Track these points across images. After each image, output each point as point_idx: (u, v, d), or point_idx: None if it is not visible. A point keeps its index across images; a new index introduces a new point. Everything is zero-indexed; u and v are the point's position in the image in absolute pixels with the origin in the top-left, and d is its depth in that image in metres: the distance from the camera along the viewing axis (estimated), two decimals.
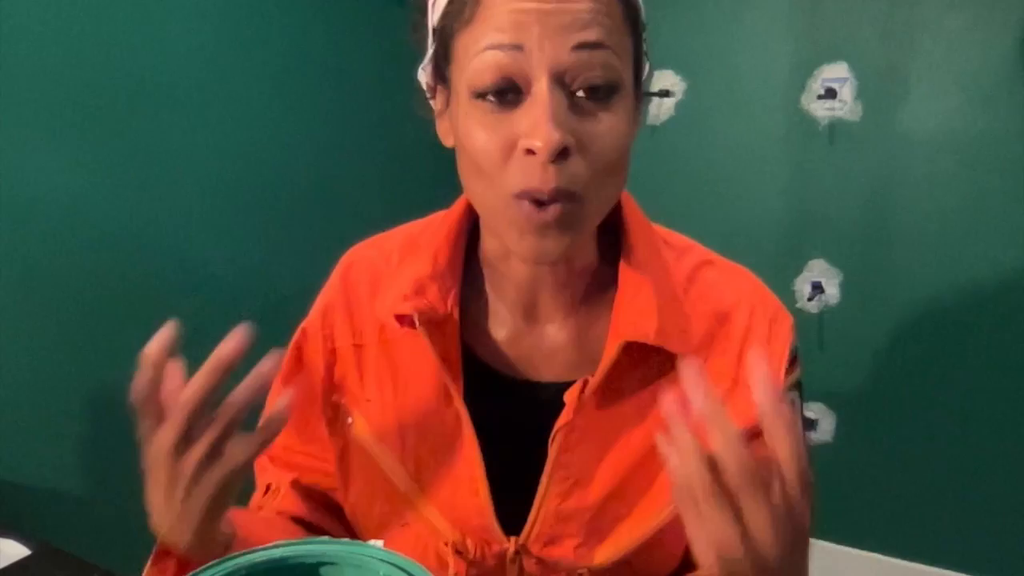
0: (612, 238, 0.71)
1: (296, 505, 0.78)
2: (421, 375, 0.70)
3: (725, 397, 0.68)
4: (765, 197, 2.05)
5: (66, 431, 1.41)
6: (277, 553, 0.54)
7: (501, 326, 0.72)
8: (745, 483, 0.48)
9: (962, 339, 1.88)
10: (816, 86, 1.93)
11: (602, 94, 0.57)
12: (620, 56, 0.57)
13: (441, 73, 0.63)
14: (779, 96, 1.98)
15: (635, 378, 0.67)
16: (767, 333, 0.70)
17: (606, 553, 0.68)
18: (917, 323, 1.93)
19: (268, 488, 0.78)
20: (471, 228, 0.74)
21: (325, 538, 0.56)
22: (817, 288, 2.01)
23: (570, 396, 0.66)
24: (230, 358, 0.55)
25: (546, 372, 0.71)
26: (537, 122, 0.55)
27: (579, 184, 0.57)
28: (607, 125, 0.57)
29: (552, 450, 0.66)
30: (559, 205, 0.57)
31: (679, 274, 0.71)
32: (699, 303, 0.70)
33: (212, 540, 0.59)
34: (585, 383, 0.66)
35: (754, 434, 0.64)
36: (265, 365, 0.56)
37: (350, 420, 0.73)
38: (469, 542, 0.68)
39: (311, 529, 0.78)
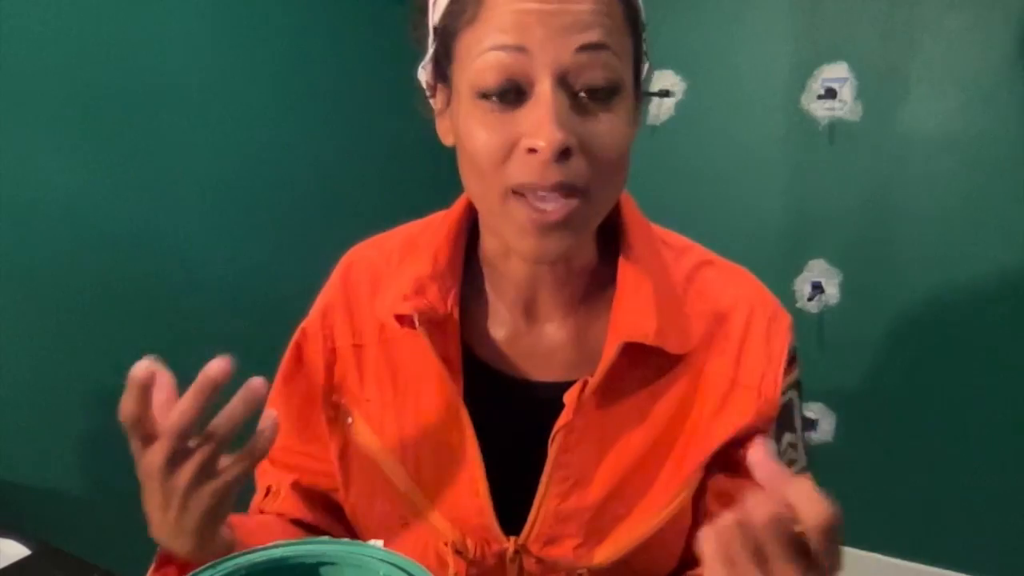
0: (611, 238, 0.71)
1: (296, 506, 0.78)
2: (421, 375, 0.70)
3: (722, 399, 0.68)
4: (765, 197, 2.05)
5: (66, 431, 1.41)
6: (277, 553, 0.54)
7: (501, 326, 0.72)
8: (783, 545, 0.47)
9: (962, 339, 1.88)
10: (816, 86, 1.93)
11: (603, 95, 0.57)
12: (621, 57, 0.58)
13: (442, 72, 0.63)
14: (779, 96, 1.98)
15: (634, 378, 0.67)
16: (766, 333, 0.70)
17: (605, 553, 0.68)
18: (917, 323, 1.92)
19: (268, 491, 0.78)
20: (471, 228, 0.74)
21: (325, 538, 0.56)
22: (817, 288, 2.01)
23: (569, 397, 0.66)
24: (216, 379, 0.53)
25: (545, 372, 0.71)
26: (540, 122, 0.55)
27: (581, 182, 0.57)
28: (608, 125, 0.58)
29: (552, 450, 0.66)
30: (563, 204, 0.57)
31: (678, 274, 0.71)
32: (698, 303, 0.70)
33: (212, 546, 0.59)
34: (584, 384, 0.66)
35: (748, 437, 0.64)
36: (255, 382, 0.55)
37: (350, 420, 0.73)
38: (469, 542, 0.68)
39: (311, 531, 0.77)
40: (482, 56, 0.56)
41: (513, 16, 0.55)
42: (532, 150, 0.56)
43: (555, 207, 0.57)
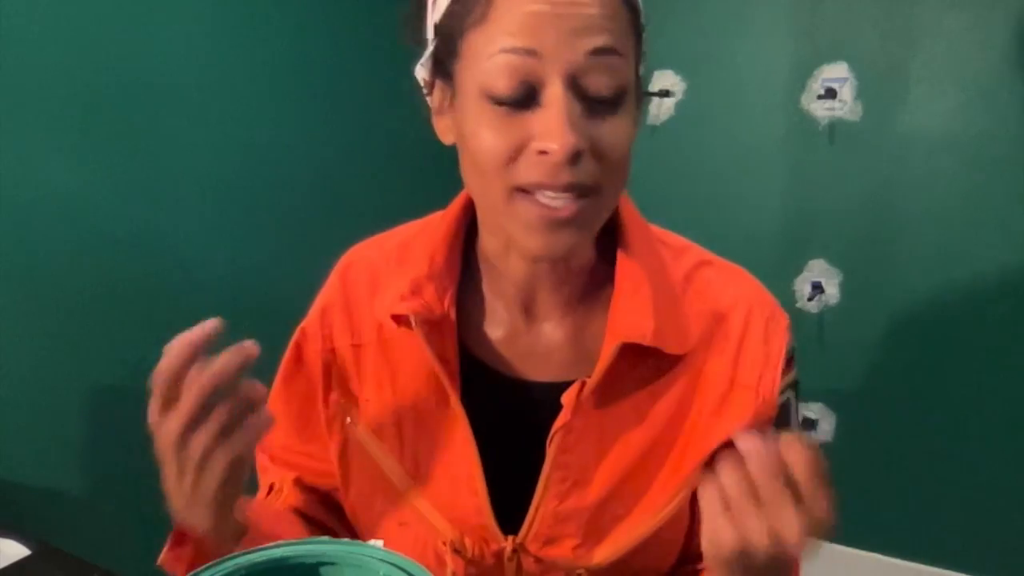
0: (609, 237, 0.71)
1: (300, 501, 0.78)
2: (419, 374, 0.70)
3: (721, 399, 0.68)
4: (765, 197, 2.05)
5: (66, 431, 1.41)
6: (277, 553, 0.54)
7: (498, 326, 0.72)
8: (778, 486, 0.51)
9: (962, 339, 1.88)
10: (816, 86, 1.93)
11: (611, 98, 0.58)
12: (627, 60, 0.58)
13: (443, 70, 0.63)
14: (779, 96, 1.98)
15: (632, 378, 0.68)
16: (764, 333, 0.70)
17: (604, 553, 0.68)
18: (917, 323, 1.92)
19: (272, 488, 0.79)
20: (468, 228, 0.74)
21: (325, 538, 0.56)
22: (817, 288, 2.01)
23: (568, 397, 0.66)
24: (240, 358, 0.55)
25: (543, 371, 0.71)
26: (553, 125, 0.55)
27: (590, 181, 0.58)
28: (614, 127, 0.58)
29: (550, 451, 0.66)
30: (574, 202, 0.58)
31: (676, 274, 0.71)
32: (696, 303, 0.70)
33: (227, 525, 0.60)
34: (583, 384, 0.66)
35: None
36: (247, 343, 0.56)
37: (349, 420, 0.73)
38: (467, 541, 0.68)
39: (315, 525, 0.78)
40: (492, 58, 0.56)
41: (524, 18, 0.55)
42: (544, 152, 0.56)
43: (564, 204, 0.58)
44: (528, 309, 0.72)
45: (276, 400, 0.79)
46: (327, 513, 0.79)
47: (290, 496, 0.78)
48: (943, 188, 1.85)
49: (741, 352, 0.69)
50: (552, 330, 0.72)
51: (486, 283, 0.73)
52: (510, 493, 0.68)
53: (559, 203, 0.58)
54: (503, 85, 0.56)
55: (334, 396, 0.75)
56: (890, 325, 1.95)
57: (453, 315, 0.70)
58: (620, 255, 0.69)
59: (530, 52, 0.55)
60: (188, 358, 0.54)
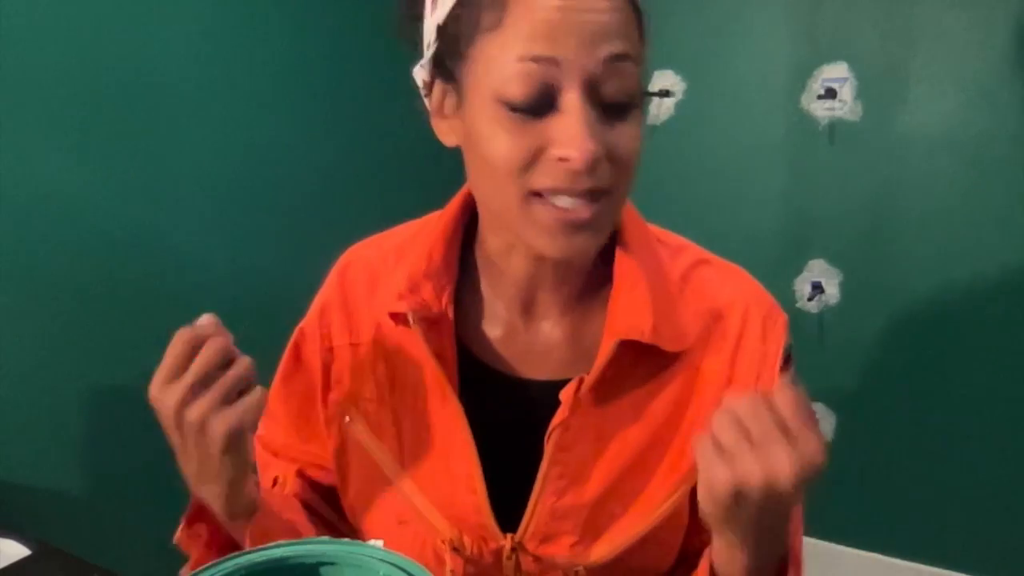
0: (608, 236, 0.71)
1: (303, 492, 0.79)
2: (417, 373, 0.70)
3: (719, 397, 0.68)
4: (765, 197, 2.05)
5: (66, 431, 1.41)
6: (277, 553, 0.54)
7: (497, 324, 0.72)
8: (768, 423, 0.52)
9: (962, 339, 1.88)
10: (816, 86, 1.93)
11: (624, 103, 0.59)
12: (638, 65, 0.59)
13: (447, 72, 0.62)
14: (779, 96, 1.98)
15: (630, 376, 0.68)
16: (761, 332, 0.70)
17: (602, 551, 0.68)
18: (917, 323, 1.92)
19: (275, 481, 0.79)
20: (467, 227, 0.74)
21: (325, 538, 0.57)
22: (817, 288, 2.01)
23: (566, 394, 0.66)
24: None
25: (541, 370, 0.71)
26: (572, 133, 0.56)
27: (605, 185, 0.59)
28: (627, 131, 0.59)
29: (548, 447, 0.67)
30: (589, 206, 0.59)
31: (674, 273, 0.71)
32: (694, 301, 0.70)
33: (237, 501, 0.62)
34: (580, 381, 0.66)
35: None
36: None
37: (347, 419, 0.73)
38: (466, 539, 0.69)
39: (316, 516, 0.78)
40: (510, 65, 0.56)
41: (543, 26, 0.55)
42: (563, 159, 0.57)
43: (581, 207, 0.59)
44: (527, 308, 0.72)
45: (275, 399, 0.79)
46: (328, 506, 0.80)
47: (294, 488, 0.79)
48: (943, 188, 1.85)
49: (739, 350, 0.69)
50: (551, 329, 0.72)
51: (485, 282, 0.73)
52: (509, 491, 0.68)
53: (575, 206, 0.59)
54: (520, 92, 0.56)
55: (333, 395, 0.75)
56: (890, 325, 1.95)
57: (451, 313, 0.70)
58: (618, 254, 0.69)
59: (550, 61, 0.56)
60: (205, 335, 0.58)
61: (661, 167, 2.11)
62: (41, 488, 1.37)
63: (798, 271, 2.02)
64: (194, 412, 0.56)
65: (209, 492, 0.62)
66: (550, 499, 0.67)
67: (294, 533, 0.68)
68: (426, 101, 0.67)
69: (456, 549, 0.68)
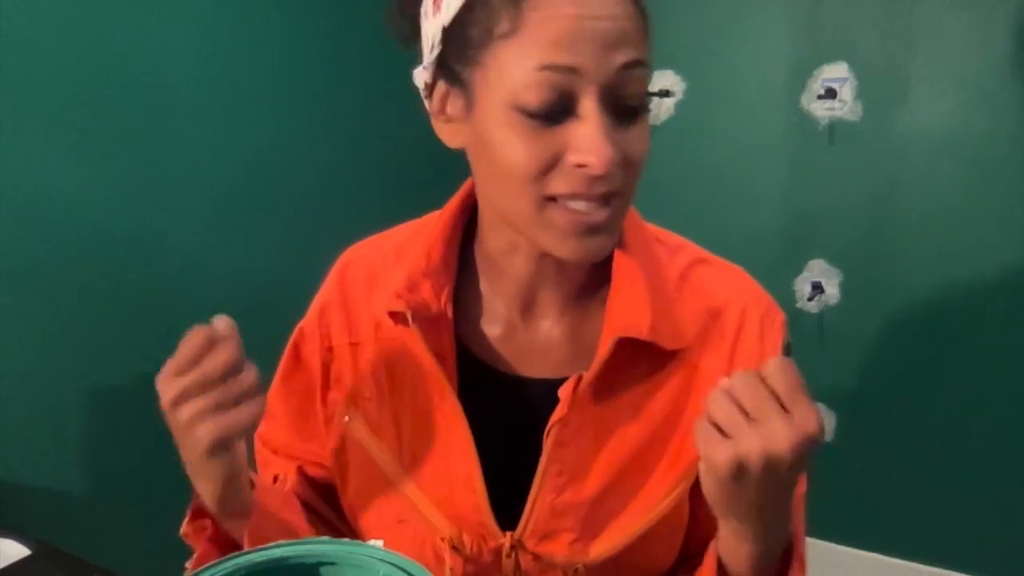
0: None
1: (303, 490, 0.79)
2: (416, 372, 0.70)
3: None
4: (765, 197, 2.05)
5: (66, 431, 1.41)
6: (277, 553, 0.54)
7: (496, 323, 0.73)
8: (763, 396, 0.53)
9: (962, 339, 1.88)
10: (816, 86, 1.93)
11: (636, 107, 0.60)
12: (649, 69, 0.60)
13: (453, 75, 0.62)
14: (779, 96, 1.98)
15: (629, 374, 0.68)
16: (759, 330, 0.71)
17: (601, 548, 0.68)
18: (917, 323, 1.92)
19: (276, 479, 0.80)
20: (465, 226, 0.74)
21: (325, 538, 0.57)
22: (817, 288, 2.01)
23: (564, 391, 0.66)
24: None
25: (540, 368, 0.71)
26: (592, 140, 0.57)
27: (618, 188, 0.60)
28: (638, 135, 0.60)
29: (547, 444, 0.67)
30: (604, 208, 0.60)
31: (672, 271, 0.72)
32: (692, 300, 0.71)
33: (231, 501, 0.63)
34: (579, 378, 0.66)
35: None
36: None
37: (347, 418, 0.73)
38: (466, 538, 0.69)
39: (316, 515, 0.79)
40: (528, 73, 0.56)
41: (562, 33, 0.55)
42: (582, 165, 0.57)
43: (595, 210, 0.60)
44: (527, 307, 0.72)
45: (275, 399, 0.80)
46: (328, 505, 0.80)
47: (295, 486, 0.79)
48: (943, 188, 1.85)
49: (737, 348, 0.70)
50: (550, 327, 0.72)
51: (485, 281, 0.73)
52: (508, 490, 0.68)
53: (590, 210, 0.59)
54: (537, 99, 0.57)
55: (332, 394, 0.75)
56: (890, 325, 1.95)
57: (450, 312, 0.70)
58: (617, 253, 0.70)
59: (568, 69, 0.56)
60: (215, 338, 0.58)
61: (661, 167, 2.11)
62: (41, 488, 1.37)
63: (798, 271, 2.02)
64: (185, 412, 0.57)
65: (202, 489, 0.63)
66: (549, 496, 0.67)
67: (291, 534, 0.69)
68: (426, 102, 0.67)
69: (455, 548, 0.68)
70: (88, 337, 1.41)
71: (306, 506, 0.78)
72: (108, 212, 1.43)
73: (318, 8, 1.80)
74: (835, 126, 1.93)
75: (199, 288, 1.57)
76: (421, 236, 0.73)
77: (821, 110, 1.94)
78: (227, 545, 0.67)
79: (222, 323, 0.59)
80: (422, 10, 0.64)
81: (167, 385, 0.57)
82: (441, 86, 0.64)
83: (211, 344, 0.57)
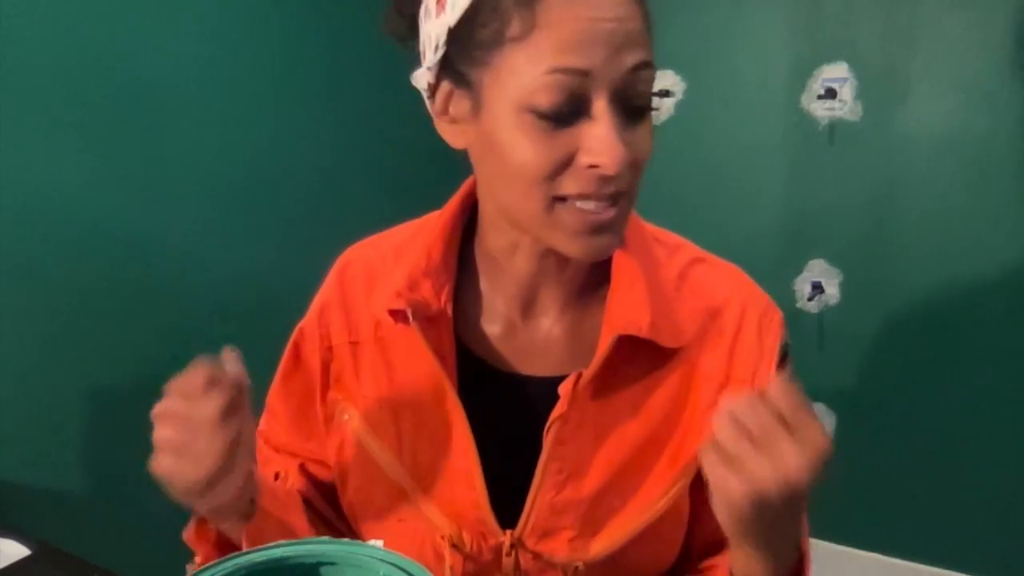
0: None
1: (305, 487, 0.79)
2: (416, 371, 0.71)
3: (717, 393, 0.69)
4: (765, 197, 2.05)
5: (66, 431, 1.41)
6: (277, 553, 0.54)
7: (495, 321, 0.73)
8: (770, 422, 0.52)
9: (962, 339, 1.88)
10: (816, 86, 1.93)
11: (643, 108, 0.60)
12: (654, 71, 0.60)
13: (460, 76, 0.62)
14: (779, 96, 1.98)
15: (628, 372, 0.68)
16: (758, 329, 0.71)
17: (601, 546, 0.68)
18: (917, 323, 1.92)
19: (277, 476, 0.80)
20: (465, 225, 0.75)
21: (325, 538, 0.57)
22: (817, 288, 2.01)
23: (564, 388, 0.67)
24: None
25: (540, 367, 0.72)
26: (605, 141, 0.57)
27: (625, 187, 0.61)
28: (644, 135, 0.61)
29: (547, 442, 0.67)
30: (611, 207, 0.60)
31: (671, 271, 0.72)
32: (691, 299, 0.71)
33: (227, 511, 0.63)
34: (579, 375, 0.66)
35: None
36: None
37: (346, 416, 0.74)
38: (465, 536, 0.69)
39: (317, 514, 0.79)
40: (541, 76, 0.57)
41: (575, 36, 0.56)
42: (594, 166, 0.58)
43: (603, 209, 0.60)
44: (527, 305, 0.72)
45: (276, 398, 0.80)
46: (329, 504, 0.80)
47: (296, 483, 0.79)
48: (943, 188, 1.85)
49: (736, 347, 0.70)
50: (549, 326, 0.72)
51: (484, 279, 0.73)
52: (508, 488, 0.68)
53: (599, 209, 0.60)
54: (549, 101, 0.57)
55: (332, 394, 0.75)
56: (890, 325, 1.95)
57: (450, 311, 0.70)
58: (617, 252, 0.70)
59: (581, 72, 0.56)
60: (223, 372, 0.58)
61: (661, 167, 2.10)
62: (41, 488, 1.37)
63: (798, 271, 2.02)
64: (155, 434, 0.58)
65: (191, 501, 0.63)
66: (549, 493, 0.67)
67: (292, 535, 0.69)
68: (428, 103, 0.67)
69: (455, 546, 0.69)
70: (88, 337, 1.41)
71: (308, 504, 0.78)
72: (108, 212, 1.43)
73: (318, 8, 1.80)
74: (835, 126, 1.93)
75: (199, 288, 1.57)
76: (421, 236, 0.73)
77: (821, 110, 1.94)
78: (230, 550, 0.67)
79: (231, 362, 0.59)
80: (422, 10, 0.64)
81: (161, 401, 0.58)
82: (445, 86, 0.64)
83: (211, 384, 0.57)
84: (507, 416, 0.71)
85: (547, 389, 0.68)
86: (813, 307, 2.02)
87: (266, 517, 0.66)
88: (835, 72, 1.91)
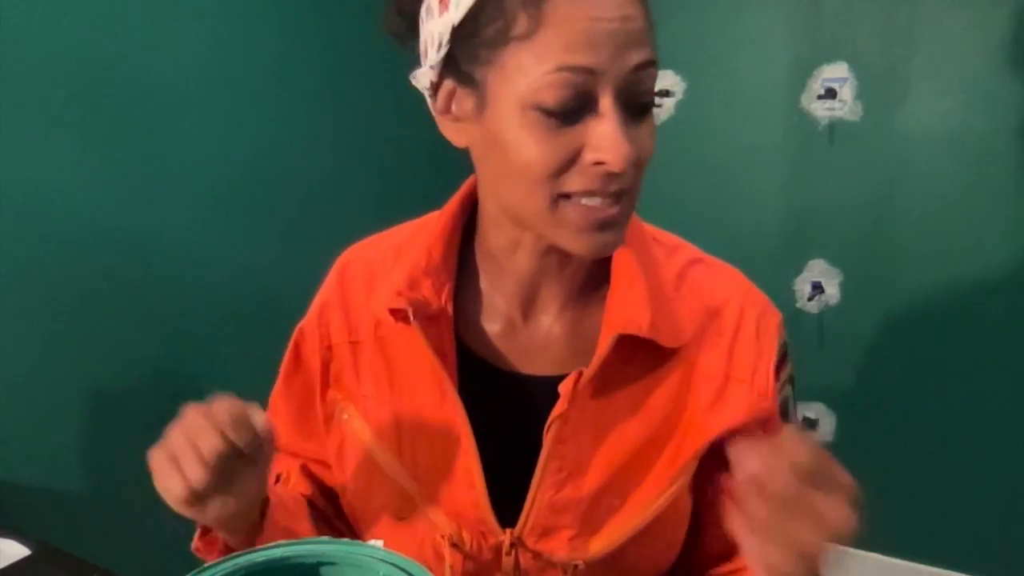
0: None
1: (307, 488, 0.80)
2: (416, 370, 0.71)
3: (716, 393, 0.69)
4: (765, 197, 2.05)
5: (66, 431, 1.41)
6: (277, 553, 0.54)
7: (495, 320, 0.73)
8: (799, 487, 0.51)
9: (962, 339, 1.88)
10: (816, 86, 1.93)
11: (646, 105, 0.61)
12: (657, 69, 0.61)
13: (463, 75, 0.62)
14: (779, 96, 1.98)
15: (628, 371, 0.69)
16: (756, 329, 0.71)
17: (600, 544, 0.68)
18: (917, 323, 1.92)
19: (279, 478, 0.80)
20: (466, 225, 0.75)
21: (325, 538, 0.57)
22: (817, 288, 2.01)
23: (564, 387, 0.67)
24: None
25: (540, 365, 0.72)
26: (611, 138, 0.58)
27: (628, 183, 0.61)
28: (647, 132, 0.61)
29: (547, 440, 0.67)
30: (615, 204, 0.61)
31: (670, 271, 0.72)
32: (690, 299, 0.71)
33: (235, 523, 0.64)
34: (579, 374, 0.67)
35: (743, 431, 0.65)
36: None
37: (346, 416, 0.74)
38: (465, 535, 0.69)
39: (319, 515, 0.79)
40: (548, 75, 0.57)
41: (581, 35, 0.56)
42: (600, 163, 0.58)
43: (608, 206, 0.61)
44: (528, 304, 0.72)
45: (277, 398, 0.81)
46: (331, 504, 0.80)
47: (298, 484, 0.80)
48: (943, 188, 1.85)
49: (735, 347, 0.70)
50: (550, 325, 0.73)
51: (485, 279, 0.74)
52: (508, 487, 0.68)
53: (603, 205, 0.60)
54: (556, 99, 0.57)
55: (332, 393, 0.76)
56: (890, 325, 1.95)
57: (450, 310, 0.70)
58: (616, 251, 0.70)
59: (587, 70, 0.57)
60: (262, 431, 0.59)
61: (661, 167, 2.10)
62: (41, 488, 1.37)
63: (798, 271, 2.02)
64: (170, 442, 0.59)
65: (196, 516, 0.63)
66: (548, 492, 0.68)
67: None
68: (430, 101, 0.67)
69: (455, 545, 0.69)
70: (88, 337, 1.41)
71: (310, 504, 0.79)
72: (108, 212, 1.43)
73: (318, 8, 1.80)
74: (835, 126, 1.93)
75: (199, 288, 1.57)
76: (421, 235, 0.73)
77: (821, 110, 1.94)
78: None
79: (263, 424, 0.60)
80: (423, 9, 0.63)
81: (187, 414, 0.59)
82: (448, 85, 0.64)
83: (240, 422, 0.58)
84: (507, 415, 0.71)
85: (547, 388, 0.68)
86: (813, 307, 2.02)
87: (274, 528, 0.67)
88: (835, 72, 1.91)
